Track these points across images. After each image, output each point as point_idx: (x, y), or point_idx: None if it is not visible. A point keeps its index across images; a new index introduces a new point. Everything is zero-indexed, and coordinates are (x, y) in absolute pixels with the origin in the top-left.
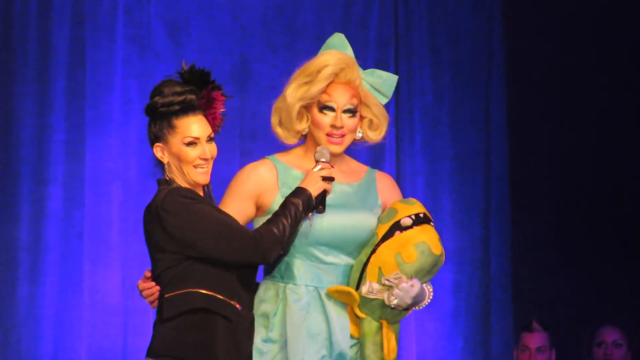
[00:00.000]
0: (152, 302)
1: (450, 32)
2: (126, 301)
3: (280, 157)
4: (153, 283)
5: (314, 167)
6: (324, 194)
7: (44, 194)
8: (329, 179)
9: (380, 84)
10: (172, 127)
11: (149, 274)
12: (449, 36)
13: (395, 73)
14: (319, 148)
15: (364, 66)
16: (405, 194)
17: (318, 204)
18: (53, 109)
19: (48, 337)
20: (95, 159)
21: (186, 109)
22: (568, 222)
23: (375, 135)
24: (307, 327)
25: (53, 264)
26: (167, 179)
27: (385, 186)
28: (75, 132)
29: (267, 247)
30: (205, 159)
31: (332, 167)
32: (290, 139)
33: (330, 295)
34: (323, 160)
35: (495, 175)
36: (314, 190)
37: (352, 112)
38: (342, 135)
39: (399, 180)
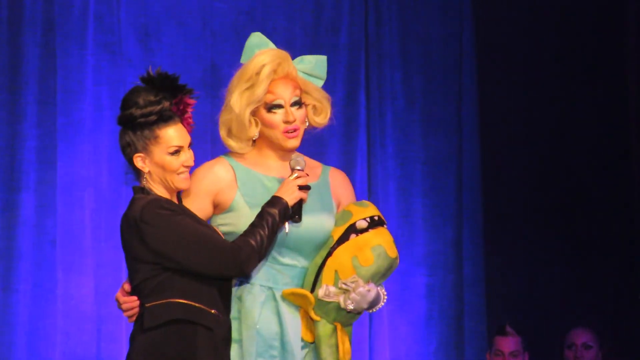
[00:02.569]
0: (131, 317)
1: (420, 36)
2: (99, 308)
3: (235, 157)
4: (134, 297)
5: (290, 175)
6: (300, 203)
7: (17, 202)
8: (305, 188)
9: (311, 68)
10: (154, 137)
11: (128, 288)
12: (419, 40)
13: (366, 77)
14: (293, 156)
15: (335, 70)
16: (377, 197)
17: (294, 213)
18: (24, 116)
19: (21, 344)
20: (67, 166)
21: (166, 118)
22: (540, 225)
23: (321, 119)
24: (260, 328)
25: (26, 271)
26: (144, 187)
27: (338, 184)
28: (47, 139)
29: (245, 259)
30: (188, 166)
31: (307, 175)
32: (244, 148)
33: (285, 297)
34: (298, 168)
35: (467, 179)
36: (291, 199)
37: (299, 103)
38: (296, 129)
39: (371, 184)
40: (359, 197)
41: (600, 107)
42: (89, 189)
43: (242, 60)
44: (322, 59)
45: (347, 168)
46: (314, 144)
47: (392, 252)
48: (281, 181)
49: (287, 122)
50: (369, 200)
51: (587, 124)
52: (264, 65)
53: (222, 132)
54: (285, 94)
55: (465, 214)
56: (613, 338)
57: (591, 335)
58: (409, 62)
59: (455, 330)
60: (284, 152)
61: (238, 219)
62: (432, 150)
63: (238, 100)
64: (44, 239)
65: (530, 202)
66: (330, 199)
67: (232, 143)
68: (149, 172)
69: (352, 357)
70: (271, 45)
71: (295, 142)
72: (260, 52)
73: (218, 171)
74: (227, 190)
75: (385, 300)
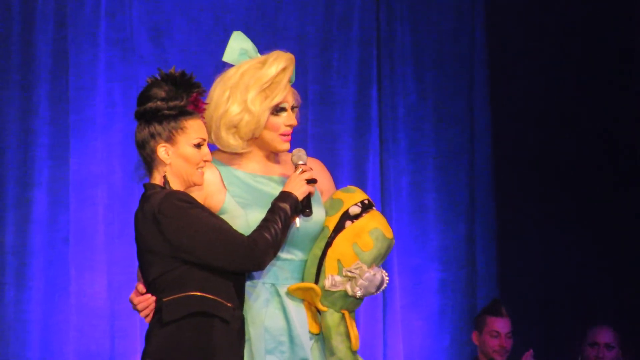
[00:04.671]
0: (147, 316)
1: (432, 31)
2: (112, 304)
3: (215, 156)
4: (148, 295)
5: (295, 170)
6: (308, 197)
7: (29, 199)
8: (312, 181)
9: None
10: (181, 127)
11: (142, 289)
12: (431, 35)
13: (378, 73)
14: (295, 151)
15: (347, 66)
16: (390, 193)
17: (305, 207)
18: (37, 113)
19: (35, 342)
20: (80, 163)
21: (190, 111)
22: (554, 219)
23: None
24: (267, 324)
25: (39, 268)
26: (162, 182)
27: (318, 173)
28: (59, 136)
29: (261, 253)
30: (207, 161)
31: (311, 169)
32: (245, 148)
33: (291, 293)
34: (301, 162)
35: (480, 173)
36: (300, 194)
37: (296, 107)
38: (290, 133)
39: (383, 180)
40: (372, 192)
41: (614, 99)
42: (102, 186)
43: (225, 59)
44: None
45: (359, 163)
46: (326, 140)
47: (389, 233)
48: (269, 179)
49: (289, 126)
50: (381, 195)
51: (600, 116)
52: (285, 69)
53: (222, 130)
54: (290, 98)
55: (478, 208)
56: (634, 338)
57: (613, 335)
58: (420, 57)
59: (468, 325)
60: (270, 152)
61: (232, 220)
62: (444, 145)
63: (256, 102)
64: (56, 235)
65: (543, 196)
66: (316, 189)
67: (231, 141)
68: (170, 164)
69: (366, 353)
70: (250, 43)
71: (289, 145)
72: (278, 55)
73: (205, 174)
74: (215, 194)
75: (387, 281)
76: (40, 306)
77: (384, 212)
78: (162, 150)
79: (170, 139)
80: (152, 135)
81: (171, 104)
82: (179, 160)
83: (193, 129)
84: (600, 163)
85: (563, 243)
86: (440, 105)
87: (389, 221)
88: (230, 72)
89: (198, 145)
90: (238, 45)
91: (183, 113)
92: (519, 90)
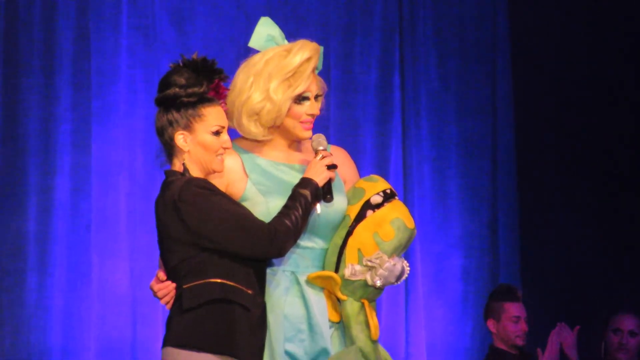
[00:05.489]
0: (167, 303)
1: (454, 18)
2: (134, 291)
3: (238, 143)
4: (168, 282)
5: (315, 156)
6: (329, 182)
7: (51, 185)
8: (332, 167)
9: None
10: (199, 115)
11: (162, 276)
12: (453, 22)
13: (401, 60)
14: (314, 137)
15: (369, 52)
16: (412, 179)
17: (326, 193)
18: (59, 99)
19: (57, 328)
20: (102, 150)
21: (209, 98)
22: (577, 205)
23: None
24: (287, 312)
25: (61, 255)
26: (182, 169)
27: (341, 162)
28: (81, 122)
29: (281, 239)
30: (227, 148)
31: (331, 154)
32: (267, 135)
33: (311, 282)
34: (321, 148)
35: (502, 160)
36: (320, 180)
37: (320, 96)
38: (312, 121)
39: (406, 166)
40: (394, 179)
41: (636, 87)
42: (123, 173)
43: (251, 45)
44: (321, 51)
45: (382, 150)
46: (349, 126)
47: (410, 223)
48: (290, 167)
49: (311, 115)
50: (403, 182)
51: (622, 104)
52: (309, 59)
53: (243, 117)
54: (313, 87)
55: (501, 195)
56: None
57: (637, 321)
58: (443, 43)
59: None
60: (292, 141)
61: (253, 208)
62: (467, 132)
63: (278, 90)
64: (78, 222)
65: (566, 182)
66: (338, 177)
67: (252, 128)
68: (189, 151)
69: (388, 339)
70: (278, 29)
71: (310, 133)
72: (303, 44)
73: (227, 162)
74: (237, 182)
75: (408, 271)
76: (62, 293)
77: (406, 199)
78: (180, 138)
79: (188, 127)
80: (170, 123)
81: (190, 90)
82: (198, 147)
83: (212, 116)
84: (623, 150)
85: (585, 230)
86: (462, 92)
87: (411, 208)
88: (255, 59)
89: (217, 133)
90: (265, 31)
91: (202, 100)
92: (542, 77)
